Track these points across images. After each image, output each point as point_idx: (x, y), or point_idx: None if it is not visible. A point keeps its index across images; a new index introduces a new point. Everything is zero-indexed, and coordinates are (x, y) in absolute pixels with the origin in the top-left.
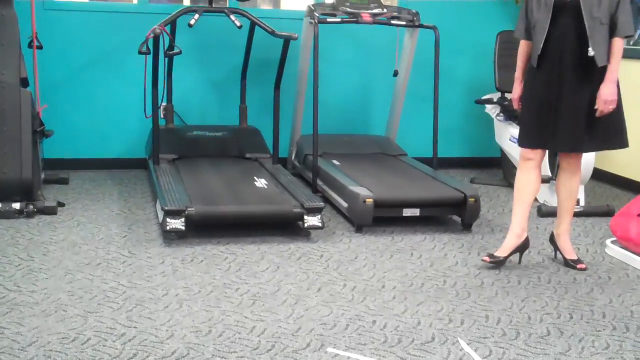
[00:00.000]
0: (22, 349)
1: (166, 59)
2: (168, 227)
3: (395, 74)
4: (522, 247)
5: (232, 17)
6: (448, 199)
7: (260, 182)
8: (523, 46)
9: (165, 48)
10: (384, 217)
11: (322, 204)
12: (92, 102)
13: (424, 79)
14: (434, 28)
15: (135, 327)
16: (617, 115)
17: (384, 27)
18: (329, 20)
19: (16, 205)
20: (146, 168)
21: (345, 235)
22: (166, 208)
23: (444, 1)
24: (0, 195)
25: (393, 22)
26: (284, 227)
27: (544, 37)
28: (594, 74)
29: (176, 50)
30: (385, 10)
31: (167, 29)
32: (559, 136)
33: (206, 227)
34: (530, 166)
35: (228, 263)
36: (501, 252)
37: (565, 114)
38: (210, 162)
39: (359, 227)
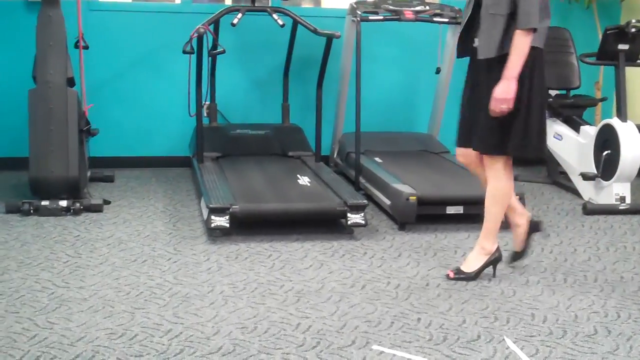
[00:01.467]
0: (71, 344)
1: (210, 58)
2: (213, 225)
3: (438, 71)
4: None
5: (275, 15)
6: None
7: (303, 180)
8: None
9: (209, 47)
10: (427, 215)
11: (365, 201)
12: (136, 101)
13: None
14: None
15: (181, 324)
16: (515, 118)
17: (426, 24)
18: (371, 18)
19: (63, 203)
20: (190, 166)
21: (389, 232)
22: (211, 206)
23: None
24: (48, 193)
25: (435, 19)
26: (327, 224)
27: (461, 30)
28: (492, 69)
29: (220, 49)
30: (427, 7)
31: (211, 28)
32: (469, 133)
33: (250, 225)
34: (470, 170)
35: (272, 260)
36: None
37: (468, 110)
38: (253, 160)
39: (402, 224)
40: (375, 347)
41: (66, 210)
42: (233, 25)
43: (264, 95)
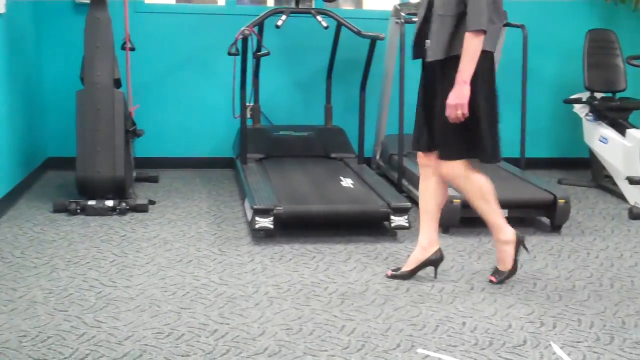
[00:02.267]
0: (118, 343)
1: (254, 59)
2: (257, 226)
3: None
4: (432, 261)
5: (319, 17)
6: (537, 201)
7: (346, 182)
8: None
9: (254, 49)
10: (471, 218)
11: (409, 204)
12: (181, 102)
13: (511, 78)
14: (521, 27)
15: (227, 324)
16: (468, 123)
17: None
18: (415, 19)
19: (109, 203)
20: (233, 167)
21: None
22: (255, 207)
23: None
24: (94, 193)
25: None
26: (370, 226)
27: (415, 33)
28: (443, 72)
29: (264, 51)
30: None
31: (255, 30)
32: (425, 136)
33: (293, 226)
34: (426, 173)
35: (316, 262)
36: (406, 266)
37: (422, 114)
38: (297, 162)
39: (446, 227)
40: (420, 350)
41: (112, 210)
42: (277, 27)
43: (307, 97)
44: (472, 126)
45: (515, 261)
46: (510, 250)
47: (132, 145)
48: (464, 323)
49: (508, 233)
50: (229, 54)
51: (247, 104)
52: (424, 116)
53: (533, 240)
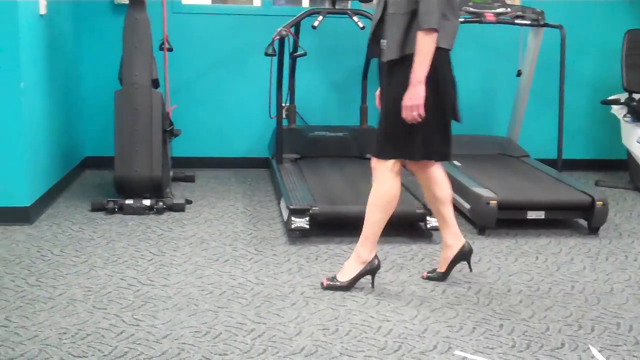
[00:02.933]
0: (156, 341)
1: (290, 60)
2: (293, 226)
3: (519, 74)
4: (462, 257)
5: (355, 18)
6: (575, 202)
7: None
8: None
9: (290, 50)
10: (507, 220)
11: None
12: (217, 102)
13: (548, 79)
14: (559, 27)
15: (264, 323)
16: (420, 122)
17: (507, 26)
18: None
19: (146, 202)
20: (268, 167)
21: (468, 237)
22: (291, 207)
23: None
24: (132, 192)
25: (517, 21)
26: (405, 227)
27: (370, 32)
28: (393, 71)
29: (301, 51)
30: (509, 9)
31: (292, 30)
32: None
33: (329, 226)
34: (418, 177)
35: None
36: (440, 268)
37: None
38: (332, 162)
39: (482, 229)
40: (457, 352)
41: (149, 209)
42: (314, 27)
43: (342, 97)
44: (425, 124)
45: (354, 281)
46: (357, 268)
47: (170, 145)
48: (501, 325)
49: (369, 254)
50: (266, 54)
51: (283, 104)
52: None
53: (570, 243)
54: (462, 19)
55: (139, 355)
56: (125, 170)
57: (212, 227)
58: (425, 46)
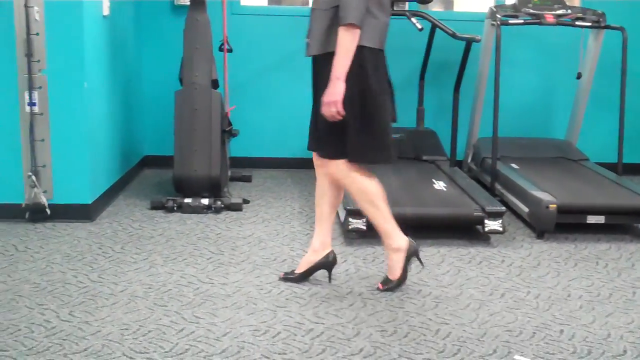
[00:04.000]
0: (217, 339)
1: None
2: (350, 227)
3: (579, 76)
4: (325, 264)
5: (414, 19)
6: (635, 207)
7: (439, 185)
8: None
9: None
10: (566, 224)
11: (503, 208)
12: (274, 103)
13: (608, 81)
14: (621, 29)
15: (322, 324)
16: (349, 122)
17: (567, 28)
18: (511, 22)
19: (205, 201)
20: None
21: (526, 241)
22: (349, 208)
23: (630, 1)
24: (191, 191)
25: (577, 23)
26: (462, 230)
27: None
28: (321, 69)
29: None
30: (569, 11)
31: None
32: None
33: None
34: (317, 173)
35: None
36: (298, 269)
37: (312, 111)
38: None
39: (541, 233)
40: (517, 357)
41: (208, 208)
42: None
43: (399, 99)
44: (355, 124)
45: (405, 271)
46: (399, 258)
47: (228, 145)
48: (561, 330)
49: (399, 240)
50: None
51: None
52: (313, 114)
53: (631, 248)
54: (521, 20)
55: (199, 352)
56: (184, 170)
57: (269, 227)
58: (344, 42)
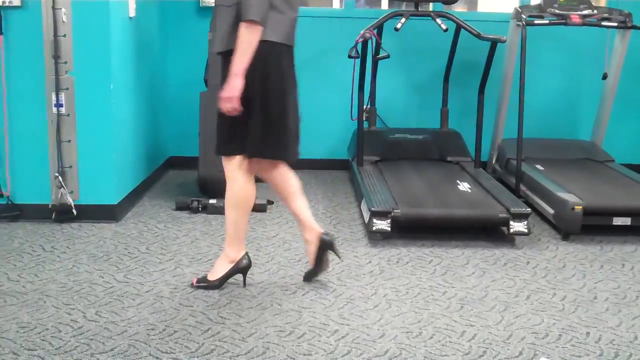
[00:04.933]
0: (242, 339)
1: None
2: (374, 228)
3: (605, 77)
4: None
5: (439, 20)
6: None
7: (464, 186)
8: None
9: (373, 52)
10: (592, 226)
11: (529, 209)
12: (298, 103)
13: (634, 82)
14: None
15: (347, 325)
16: (250, 118)
17: (592, 28)
18: (536, 22)
19: None
20: (348, 169)
21: (552, 242)
22: (373, 209)
23: None
24: (215, 191)
25: (603, 23)
26: (487, 231)
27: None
28: (224, 65)
29: (384, 54)
30: (595, 11)
31: (375, 32)
32: None
33: (410, 229)
34: (265, 177)
35: (433, 266)
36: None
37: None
38: (412, 165)
39: (566, 234)
40: (543, 359)
41: None
42: (396, 30)
43: (423, 99)
44: (256, 120)
45: (224, 280)
46: (225, 267)
47: None
48: (587, 333)
49: (233, 254)
50: (349, 57)
51: (364, 106)
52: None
53: None
54: (546, 21)
55: (225, 352)
56: (209, 171)
57: (293, 228)
58: (244, 38)
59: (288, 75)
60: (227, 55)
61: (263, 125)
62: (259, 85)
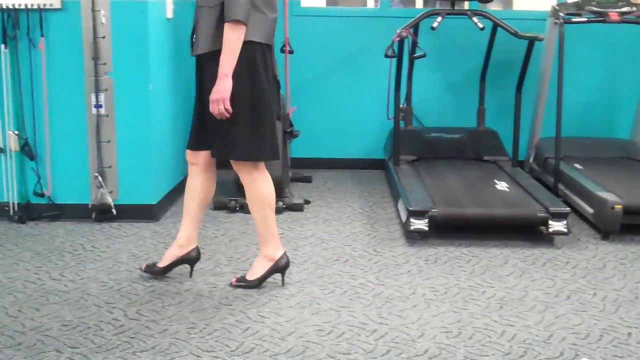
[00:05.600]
0: (282, 338)
1: (408, 61)
2: (412, 227)
3: None
4: (188, 259)
5: (475, 19)
6: None
7: (501, 185)
8: None
9: (409, 51)
10: (632, 225)
11: (568, 209)
12: (334, 103)
13: None
14: None
15: (386, 324)
16: (239, 120)
17: (631, 25)
18: (574, 20)
19: None
20: (384, 168)
21: (591, 242)
22: (411, 208)
23: None
24: None
25: None
26: (525, 231)
27: (192, 28)
28: (209, 66)
29: (420, 53)
30: (634, 8)
31: (411, 31)
32: (204, 135)
33: (447, 229)
34: (194, 171)
35: (472, 265)
36: (161, 262)
37: (201, 110)
38: (449, 164)
39: (606, 234)
40: None
41: None
42: (433, 28)
43: (459, 98)
44: (245, 122)
45: (262, 279)
46: (265, 267)
47: (289, 146)
48: (629, 334)
49: (274, 252)
50: (386, 56)
51: (400, 105)
52: (196, 113)
53: None
54: (584, 19)
55: (265, 351)
56: None
57: (331, 227)
58: (230, 39)
59: (270, 76)
60: (209, 57)
61: (249, 127)
62: (246, 86)
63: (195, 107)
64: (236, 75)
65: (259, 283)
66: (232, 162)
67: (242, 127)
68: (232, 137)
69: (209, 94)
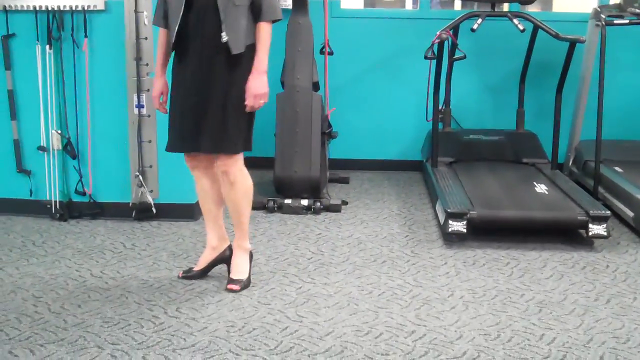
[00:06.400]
0: (320, 338)
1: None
2: (450, 229)
3: None
4: (223, 259)
5: (515, 20)
6: None
7: (540, 188)
8: (162, 35)
9: (448, 52)
10: None
11: (608, 212)
12: (372, 105)
13: None
14: None
15: (424, 326)
16: (245, 113)
17: None
18: (616, 22)
19: (305, 202)
20: (421, 170)
21: (631, 246)
22: (449, 210)
23: None
24: (291, 192)
25: None
26: (564, 234)
27: (178, 24)
28: (237, 63)
29: (460, 55)
30: None
31: (451, 33)
32: (202, 135)
33: (485, 231)
34: (198, 175)
35: (510, 268)
36: (197, 267)
37: (206, 109)
38: (487, 166)
39: None
40: None
41: (307, 209)
42: (473, 30)
43: (497, 100)
44: (248, 115)
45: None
46: (246, 258)
47: (327, 147)
48: None
49: (248, 244)
50: (426, 57)
51: (439, 107)
52: (189, 113)
53: None
54: (626, 20)
55: (303, 351)
56: (285, 171)
57: (368, 228)
58: (269, 37)
59: None
60: (244, 54)
61: (248, 122)
62: (243, 84)
63: (189, 107)
64: (244, 72)
65: (249, 277)
66: (225, 156)
67: (245, 121)
68: (238, 130)
69: (237, 88)
